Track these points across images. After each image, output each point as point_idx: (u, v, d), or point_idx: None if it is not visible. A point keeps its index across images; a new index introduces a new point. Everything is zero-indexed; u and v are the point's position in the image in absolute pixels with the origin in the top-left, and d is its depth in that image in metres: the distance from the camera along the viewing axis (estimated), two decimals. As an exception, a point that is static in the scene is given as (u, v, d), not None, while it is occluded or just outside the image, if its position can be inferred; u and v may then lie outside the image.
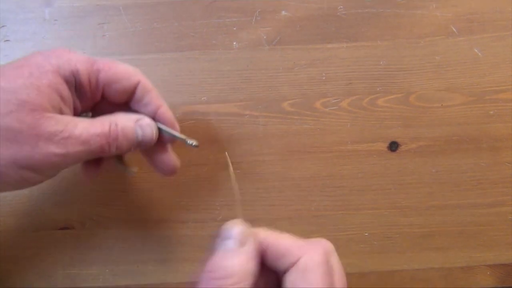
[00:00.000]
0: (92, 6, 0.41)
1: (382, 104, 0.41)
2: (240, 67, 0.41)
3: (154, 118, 0.34)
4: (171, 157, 0.36)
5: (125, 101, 0.34)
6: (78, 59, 0.31)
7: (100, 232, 0.41)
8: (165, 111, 0.34)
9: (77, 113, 0.33)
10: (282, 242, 0.26)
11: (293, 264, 0.25)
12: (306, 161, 0.41)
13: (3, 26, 0.41)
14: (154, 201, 0.41)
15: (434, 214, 0.41)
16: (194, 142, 0.35)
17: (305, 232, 0.41)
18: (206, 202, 0.41)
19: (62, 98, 0.31)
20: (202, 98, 0.41)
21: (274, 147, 0.41)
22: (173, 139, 0.35)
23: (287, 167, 0.41)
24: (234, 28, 0.41)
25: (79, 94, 0.32)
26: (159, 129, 0.35)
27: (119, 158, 0.36)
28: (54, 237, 0.41)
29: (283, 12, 0.41)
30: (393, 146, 0.41)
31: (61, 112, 0.31)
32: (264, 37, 0.41)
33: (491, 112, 0.41)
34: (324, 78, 0.41)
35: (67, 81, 0.31)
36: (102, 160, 0.35)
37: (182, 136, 0.35)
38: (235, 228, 0.27)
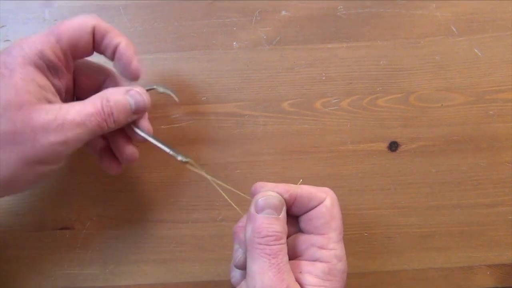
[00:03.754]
0: (92, 6, 0.41)
1: (382, 104, 0.41)
2: (240, 67, 0.41)
3: (113, 59, 0.34)
4: (131, 148, 0.36)
5: (100, 67, 0.35)
6: (36, 40, 0.31)
7: (100, 232, 0.41)
8: (123, 48, 0.34)
9: (62, 94, 0.34)
10: (307, 189, 0.33)
11: (319, 203, 0.33)
12: (306, 161, 0.41)
13: (3, 26, 0.41)
14: (154, 201, 0.41)
15: (434, 214, 0.41)
16: (184, 159, 0.36)
17: (305, 232, 0.41)
18: (206, 202, 0.41)
19: (40, 86, 0.31)
20: (202, 98, 0.41)
21: (274, 147, 0.41)
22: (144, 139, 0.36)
23: (287, 167, 0.41)
24: (234, 28, 0.41)
25: (54, 72, 0.32)
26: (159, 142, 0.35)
27: (135, 125, 0.36)
28: (54, 237, 0.41)
29: (283, 12, 0.41)
30: (393, 146, 0.41)
31: (47, 100, 0.31)
32: (264, 37, 0.41)
33: (491, 112, 0.41)
34: (324, 78, 0.41)
35: (37, 67, 0.31)
36: (120, 151, 0.36)
37: (172, 152, 0.35)
38: (274, 200, 0.32)
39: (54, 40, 0.32)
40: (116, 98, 0.33)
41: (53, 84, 0.32)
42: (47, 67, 0.32)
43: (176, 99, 0.38)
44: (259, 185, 0.33)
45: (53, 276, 0.41)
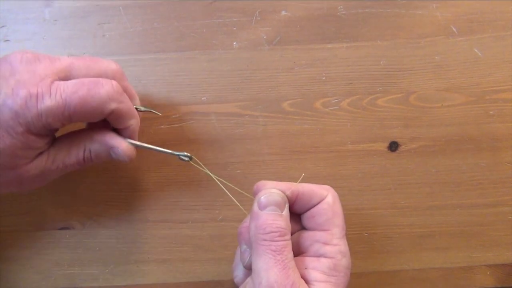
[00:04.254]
0: (92, 6, 0.41)
1: (382, 104, 0.41)
2: (240, 67, 0.41)
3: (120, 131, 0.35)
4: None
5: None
6: (48, 111, 0.30)
7: (100, 232, 0.41)
8: (131, 131, 0.35)
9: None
10: (309, 187, 0.34)
11: (321, 200, 0.33)
12: (306, 161, 0.41)
13: (3, 26, 0.41)
14: (154, 201, 0.41)
15: (434, 214, 0.41)
16: (186, 158, 0.36)
17: (305, 232, 0.41)
18: (206, 202, 0.41)
19: (37, 148, 0.32)
20: (202, 98, 0.41)
21: (274, 147, 0.41)
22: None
23: (287, 167, 0.41)
24: (234, 28, 0.41)
25: (50, 134, 0.34)
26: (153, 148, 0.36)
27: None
28: (54, 237, 0.41)
29: (283, 12, 0.41)
30: (393, 146, 0.41)
31: (39, 153, 0.33)
32: (264, 37, 0.41)
33: (491, 112, 0.41)
34: (324, 78, 0.41)
35: (40, 135, 0.32)
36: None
37: (174, 152, 0.36)
38: (276, 197, 0.32)
39: (68, 115, 0.31)
40: (98, 152, 0.34)
41: (48, 135, 0.33)
42: (50, 132, 0.33)
43: (159, 114, 0.39)
44: (261, 183, 0.33)
45: (53, 276, 0.41)
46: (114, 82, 0.33)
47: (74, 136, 0.35)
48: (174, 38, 0.41)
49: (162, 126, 0.41)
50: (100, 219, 0.41)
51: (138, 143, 0.36)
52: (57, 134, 0.35)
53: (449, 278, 0.42)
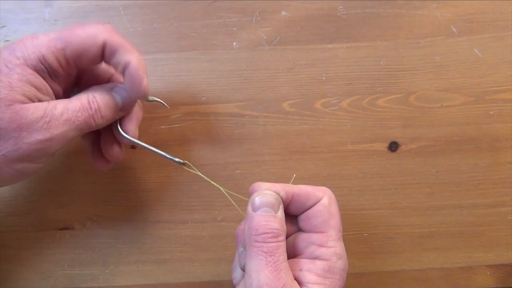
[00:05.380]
0: (92, 6, 0.41)
1: (382, 104, 0.41)
2: (240, 67, 0.41)
3: (123, 75, 0.34)
4: (117, 149, 0.36)
5: (100, 63, 0.34)
6: (42, 43, 0.31)
7: (100, 232, 0.41)
8: (133, 67, 0.33)
9: (58, 95, 0.34)
10: (304, 188, 0.33)
11: (316, 202, 0.33)
12: (306, 161, 0.41)
13: (3, 26, 0.41)
14: (154, 201, 0.41)
15: (434, 214, 0.41)
16: (181, 161, 0.36)
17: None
18: (206, 202, 0.41)
19: (36, 87, 0.31)
20: (202, 98, 0.41)
21: (274, 147, 0.41)
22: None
23: (287, 167, 0.41)
24: (234, 28, 0.41)
25: (54, 76, 0.33)
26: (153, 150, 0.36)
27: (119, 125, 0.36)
28: (54, 237, 0.41)
29: (283, 12, 0.41)
30: (393, 146, 0.41)
31: (39, 100, 0.32)
32: (264, 37, 0.41)
33: (491, 112, 0.41)
34: (324, 78, 0.41)
35: (37, 70, 0.31)
36: (109, 149, 0.36)
37: (169, 156, 0.36)
38: (270, 198, 0.32)
39: (60, 47, 0.32)
40: (102, 95, 0.33)
41: (51, 87, 0.33)
42: (47, 71, 0.32)
43: (167, 106, 0.38)
44: (257, 185, 0.33)
45: (53, 276, 0.41)
46: (108, 24, 0.33)
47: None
48: (174, 38, 0.41)
49: (162, 126, 0.41)
50: (100, 219, 0.41)
51: (136, 140, 0.35)
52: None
53: (449, 278, 0.42)
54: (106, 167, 0.37)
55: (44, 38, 0.32)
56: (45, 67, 0.32)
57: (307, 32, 0.41)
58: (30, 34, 0.40)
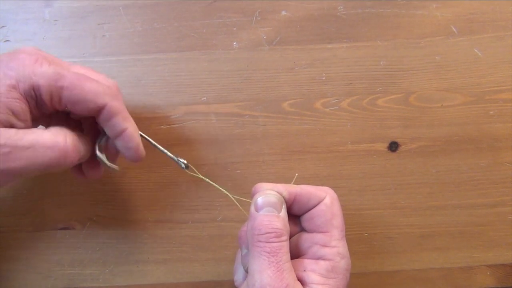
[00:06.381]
0: (92, 6, 0.41)
1: (382, 104, 0.41)
2: (240, 67, 0.41)
3: (116, 141, 0.33)
4: (98, 169, 0.35)
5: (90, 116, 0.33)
6: (43, 73, 0.30)
7: (100, 232, 0.41)
8: (129, 135, 0.32)
9: (36, 120, 0.32)
10: (307, 189, 0.33)
11: (319, 202, 0.33)
12: (306, 161, 0.41)
13: (3, 26, 0.41)
14: (154, 201, 0.41)
15: (434, 214, 0.41)
16: (184, 163, 0.36)
17: (305, 232, 0.41)
18: (206, 202, 0.41)
19: (14, 113, 0.29)
20: (202, 98, 0.41)
21: (274, 147, 0.41)
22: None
23: (287, 167, 0.41)
24: (234, 28, 0.41)
25: (39, 106, 0.31)
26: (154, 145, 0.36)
27: (102, 154, 0.35)
28: (54, 237, 0.41)
29: (283, 12, 0.41)
30: (393, 146, 0.41)
31: (10, 126, 0.29)
32: (264, 37, 0.41)
33: (491, 112, 0.41)
34: (324, 78, 0.41)
35: (26, 96, 0.30)
36: (90, 168, 0.35)
37: (173, 156, 0.36)
38: (273, 198, 0.32)
39: (60, 86, 0.30)
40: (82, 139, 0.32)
41: (32, 112, 0.31)
42: (36, 100, 0.30)
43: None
44: (259, 185, 0.33)
45: (53, 276, 0.41)
46: (112, 81, 0.33)
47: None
48: (174, 38, 0.41)
49: (162, 126, 0.41)
50: (100, 219, 0.41)
51: (144, 135, 0.35)
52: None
53: (449, 278, 0.42)
54: (84, 178, 0.36)
55: (48, 70, 0.30)
56: (36, 97, 0.30)
57: (307, 32, 0.41)
58: (30, 34, 0.41)
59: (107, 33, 0.41)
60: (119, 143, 0.33)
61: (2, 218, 0.41)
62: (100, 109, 0.31)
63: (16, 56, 0.30)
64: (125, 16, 0.41)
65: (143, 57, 0.41)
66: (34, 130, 0.30)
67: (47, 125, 0.32)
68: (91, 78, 0.32)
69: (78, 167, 0.35)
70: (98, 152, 0.34)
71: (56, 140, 0.30)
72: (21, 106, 0.29)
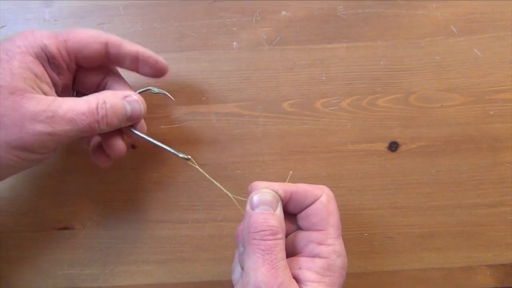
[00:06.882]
0: (92, 6, 0.41)
1: (382, 104, 0.41)
2: (240, 67, 0.41)
3: (137, 64, 0.35)
4: (121, 144, 0.36)
5: (102, 65, 0.35)
6: (43, 35, 0.32)
7: (100, 232, 0.41)
8: (145, 52, 0.35)
9: (58, 89, 0.34)
10: (303, 187, 0.33)
11: (315, 200, 0.33)
12: (306, 161, 0.41)
13: (3, 26, 0.41)
14: (154, 201, 0.41)
15: (434, 214, 0.41)
16: (185, 156, 0.37)
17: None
18: (206, 202, 0.41)
19: (37, 75, 0.31)
20: (202, 98, 0.41)
21: (274, 147, 0.41)
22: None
23: (287, 167, 0.41)
24: (234, 28, 0.41)
25: (54, 67, 0.33)
26: (154, 144, 0.36)
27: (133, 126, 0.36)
28: (54, 237, 0.41)
29: (283, 12, 0.41)
30: (393, 146, 0.41)
31: (42, 90, 0.32)
32: (264, 37, 0.41)
33: (491, 112, 0.41)
34: (324, 78, 0.41)
35: (38, 58, 0.32)
36: (113, 145, 0.36)
37: (173, 150, 0.36)
38: (268, 196, 0.32)
39: (62, 39, 0.33)
40: (113, 102, 0.33)
41: (51, 78, 0.33)
42: (48, 61, 0.32)
43: (172, 98, 0.39)
44: (255, 184, 0.33)
45: (53, 276, 0.41)
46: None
47: (88, 91, 0.35)
48: (174, 38, 0.41)
49: (162, 126, 0.41)
50: (100, 219, 0.41)
51: (141, 134, 0.36)
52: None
53: (449, 278, 0.42)
54: (107, 163, 0.37)
55: (45, 31, 0.32)
56: (46, 56, 0.32)
57: (307, 32, 0.41)
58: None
59: (107, 33, 0.41)
60: (141, 63, 0.35)
61: (2, 218, 0.41)
62: (104, 48, 0.34)
63: (13, 37, 0.32)
64: (125, 16, 0.41)
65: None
66: (69, 98, 0.32)
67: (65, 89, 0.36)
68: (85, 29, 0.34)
69: (101, 151, 0.37)
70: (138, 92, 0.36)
71: (91, 106, 0.32)
72: (39, 69, 0.32)
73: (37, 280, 0.41)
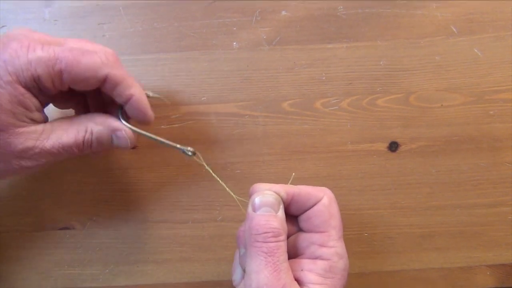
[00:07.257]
0: (92, 6, 0.41)
1: (382, 104, 0.41)
2: (240, 67, 0.41)
3: (125, 104, 0.34)
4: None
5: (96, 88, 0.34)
6: (38, 60, 0.30)
7: (100, 232, 0.41)
8: (136, 101, 0.33)
9: (47, 102, 0.34)
10: (304, 189, 0.33)
11: (317, 202, 0.33)
12: (306, 161, 0.41)
13: (3, 26, 0.41)
14: (154, 201, 0.41)
15: (434, 214, 0.41)
16: (190, 151, 0.36)
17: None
18: (206, 202, 0.41)
19: (27, 107, 0.31)
20: (202, 98, 0.41)
21: (274, 147, 0.41)
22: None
23: (287, 167, 0.41)
24: (234, 28, 0.41)
25: (45, 93, 0.32)
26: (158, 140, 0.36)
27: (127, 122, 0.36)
28: (54, 237, 0.41)
29: (283, 12, 0.41)
30: (393, 146, 0.41)
31: (30, 119, 0.31)
32: (264, 37, 0.41)
33: (491, 112, 0.41)
34: (324, 78, 0.41)
35: (29, 89, 0.30)
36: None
37: (178, 146, 0.36)
38: (270, 198, 0.32)
39: (58, 69, 0.30)
40: (100, 134, 0.33)
41: (40, 101, 0.32)
42: (39, 89, 0.31)
43: (167, 101, 0.39)
44: (257, 185, 0.33)
45: (53, 276, 0.41)
46: (109, 50, 0.33)
47: (76, 118, 0.34)
48: (174, 38, 0.41)
49: (162, 126, 0.41)
50: (100, 219, 0.41)
51: (142, 131, 0.35)
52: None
53: (449, 278, 0.42)
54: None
55: (42, 55, 0.30)
56: (38, 86, 0.31)
57: (307, 32, 0.41)
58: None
59: (107, 33, 0.41)
60: (128, 109, 0.34)
61: (2, 218, 0.41)
62: (102, 81, 0.32)
63: (7, 45, 0.30)
64: (125, 16, 0.41)
65: (143, 57, 0.41)
66: (57, 124, 0.33)
67: (52, 101, 0.35)
68: (88, 50, 0.32)
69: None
70: (123, 122, 0.35)
71: (78, 138, 0.33)
72: (30, 100, 0.31)
73: (37, 280, 0.41)
